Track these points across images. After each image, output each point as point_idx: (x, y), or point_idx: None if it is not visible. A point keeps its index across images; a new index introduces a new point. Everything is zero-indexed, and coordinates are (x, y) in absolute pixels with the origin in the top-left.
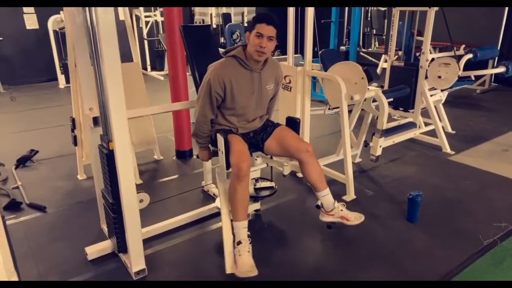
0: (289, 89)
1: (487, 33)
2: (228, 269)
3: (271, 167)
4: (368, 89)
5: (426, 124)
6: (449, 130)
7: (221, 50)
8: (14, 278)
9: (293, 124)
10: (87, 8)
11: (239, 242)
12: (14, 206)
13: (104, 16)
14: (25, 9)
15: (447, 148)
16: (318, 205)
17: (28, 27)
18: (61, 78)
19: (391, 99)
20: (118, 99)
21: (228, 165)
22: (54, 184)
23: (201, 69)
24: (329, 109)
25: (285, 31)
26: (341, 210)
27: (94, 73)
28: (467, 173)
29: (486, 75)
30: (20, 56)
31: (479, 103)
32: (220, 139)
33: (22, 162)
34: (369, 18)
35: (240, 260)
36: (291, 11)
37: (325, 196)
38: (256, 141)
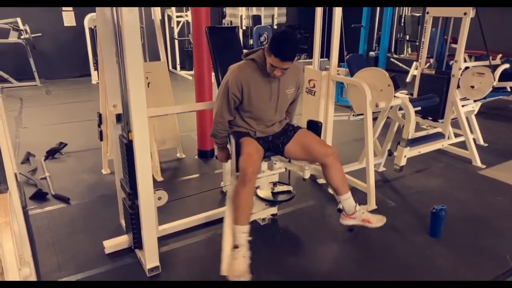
0: (313, 93)
1: None
2: (224, 271)
3: (289, 171)
4: (394, 96)
5: (456, 135)
6: (481, 142)
7: (245, 51)
8: (26, 268)
9: (315, 127)
10: (114, 7)
11: (236, 246)
12: (40, 196)
13: (128, 13)
14: (64, 7)
15: (477, 162)
16: (339, 209)
17: (66, 24)
18: (94, 74)
19: (419, 108)
20: (139, 97)
21: (237, 168)
22: (79, 176)
23: (225, 70)
24: (353, 115)
25: (312, 34)
26: (363, 213)
27: (118, 71)
28: (497, 189)
29: None
30: (57, 52)
31: None
32: (232, 141)
33: (51, 154)
34: (402, 24)
35: (234, 263)
36: (318, 14)
37: (347, 200)
38: (276, 144)
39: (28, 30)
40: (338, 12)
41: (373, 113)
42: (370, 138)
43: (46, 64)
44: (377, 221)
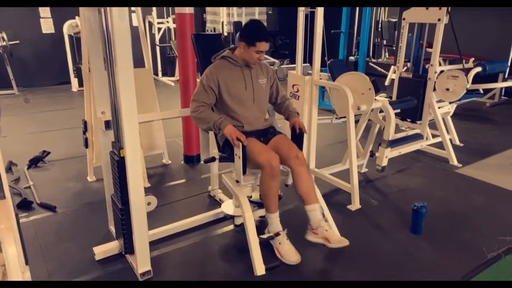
0: (297, 98)
1: (498, 47)
2: (258, 271)
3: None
4: (375, 99)
5: (434, 136)
6: (457, 142)
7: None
8: (27, 272)
9: (296, 135)
10: (103, 13)
11: (278, 233)
12: (25, 205)
13: (119, 22)
14: (42, 14)
15: (454, 161)
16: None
17: (44, 31)
18: (74, 81)
19: (398, 110)
20: (130, 103)
21: (244, 170)
22: (65, 185)
23: None
24: (336, 118)
25: (294, 40)
26: (326, 230)
27: (108, 77)
28: (474, 186)
29: (496, 89)
30: (35, 59)
31: (489, 117)
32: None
33: (34, 162)
34: (379, 29)
35: (284, 248)
36: (300, 21)
37: (312, 212)
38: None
39: (5, 38)
40: (320, 18)
41: (354, 115)
42: (353, 140)
43: (24, 72)
44: (337, 241)
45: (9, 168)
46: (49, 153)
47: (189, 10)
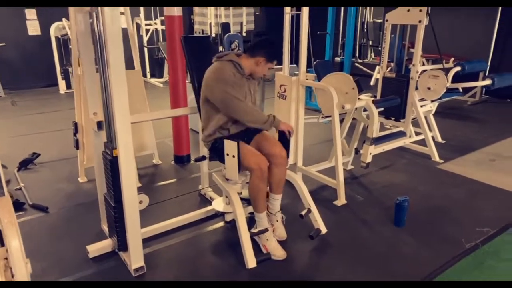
0: (284, 98)
1: (478, 47)
2: (250, 264)
3: None
4: (359, 98)
5: (417, 134)
6: (439, 139)
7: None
8: (29, 264)
9: (282, 136)
10: (94, 16)
11: (266, 230)
12: (17, 206)
13: (111, 24)
14: (28, 16)
15: (436, 157)
16: (301, 215)
17: (30, 33)
18: (61, 83)
19: (381, 109)
20: (123, 104)
21: (239, 168)
22: (56, 186)
23: (200, 76)
24: (322, 117)
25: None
26: (277, 220)
27: (100, 79)
28: (455, 181)
29: (477, 87)
30: (22, 62)
31: (469, 114)
32: (233, 144)
33: (24, 164)
34: (365, 30)
35: (271, 245)
36: (286, 23)
37: (275, 200)
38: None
39: None
40: (305, 20)
41: (340, 114)
42: (338, 138)
43: (11, 74)
44: (278, 234)
45: None
46: (39, 155)
47: (177, 12)
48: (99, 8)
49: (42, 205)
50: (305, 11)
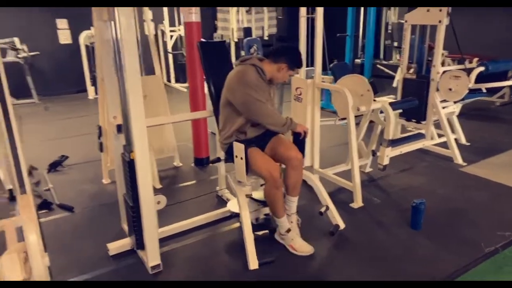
0: (300, 100)
1: (506, 46)
2: (252, 266)
3: (281, 173)
4: (374, 100)
5: (440, 136)
6: (463, 142)
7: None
8: (46, 258)
9: (297, 138)
10: (112, 24)
11: (289, 230)
12: (45, 206)
13: (126, 32)
14: (59, 25)
15: (458, 160)
16: (321, 212)
17: (61, 42)
18: (90, 89)
19: (400, 111)
20: (138, 108)
21: (247, 171)
22: (81, 187)
23: (216, 81)
24: (339, 120)
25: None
26: (291, 222)
27: (118, 84)
28: (477, 184)
29: (505, 88)
30: (54, 69)
31: (498, 116)
32: (240, 146)
33: (54, 166)
34: (389, 31)
35: (297, 243)
36: (302, 26)
37: (292, 202)
38: (260, 146)
39: (26, 49)
40: (319, 22)
41: (356, 117)
42: (354, 140)
43: (44, 81)
44: (299, 245)
45: (29, 172)
46: (67, 157)
47: (196, 18)
48: (116, 16)
49: (68, 205)
50: (319, 13)
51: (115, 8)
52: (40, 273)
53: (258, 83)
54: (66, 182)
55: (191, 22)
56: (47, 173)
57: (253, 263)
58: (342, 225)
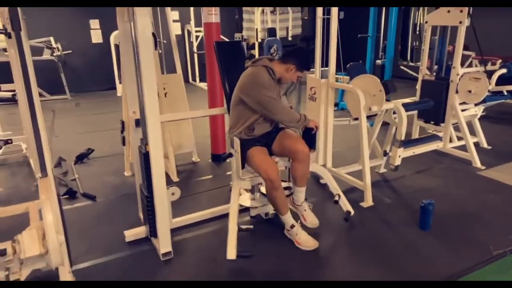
0: (314, 100)
1: None
2: (229, 256)
3: (289, 169)
4: (388, 101)
5: (459, 139)
6: (484, 145)
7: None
8: (61, 236)
9: (307, 133)
10: (132, 24)
11: (293, 225)
12: (71, 194)
13: (142, 32)
14: (92, 25)
15: (477, 163)
16: (336, 201)
17: (93, 41)
18: (119, 87)
19: (414, 112)
20: (153, 104)
21: (243, 165)
22: (105, 178)
23: (232, 81)
24: (353, 119)
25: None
26: (305, 210)
27: (136, 81)
28: (493, 188)
29: None
30: (86, 67)
31: None
32: (236, 141)
33: (80, 158)
34: (417, 32)
35: (300, 238)
36: (318, 26)
37: (300, 193)
38: (267, 142)
39: (60, 48)
40: (334, 23)
41: (370, 117)
42: (365, 140)
43: (76, 78)
44: (310, 221)
45: (58, 163)
46: (93, 150)
47: (215, 19)
48: (134, 17)
49: (91, 194)
50: (334, 14)
51: (134, 9)
52: (54, 247)
53: (270, 82)
54: (90, 173)
55: (211, 23)
56: (74, 164)
57: (231, 253)
58: (352, 211)
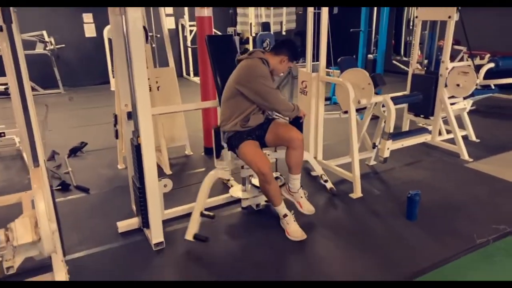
0: (305, 93)
1: None
2: (187, 236)
3: (276, 159)
4: (376, 94)
5: (449, 132)
6: (473, 138)
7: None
8: (53, 224)
9: (297, 122)
10: (123, 18)
11: (285, 215)
12: (64, 187)
13: (133, 25)
14: (85, 19)
15: (465, 155)
16: (332, 188)
17: (87, 35)
18: (112, 81)
19: (404, 105)
20: (144, 97)
21: (218, 155)
22: (98, 171)
23: (223, 74)
24: (343, 113)
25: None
26: (301, 197)
27: (127, 74)
28: (480, 180)
29: None
30: (79, 61)
31: None
32: (217, 131)
33: (73, 152)
34: (411, 27)
35: (291, 228)
36: (309, 21)
37: (295, 180)
38: (259, 134)
39: (53, 42)
40: (324, 19)
41: (361, 109)
42: (354, 132)
43: (69, 73)
44: (306, 209)
45: (52, 157)
46: (86, 144)
47: (208, 13)
48: (125, 10)
49: (85, 187)
50: (324, 8)
51: None
52: (47, 235)
53: (268, 74)
54: (84, 166)
55: (203, 17)
56: (67, 157)
57: (189, 235)
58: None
